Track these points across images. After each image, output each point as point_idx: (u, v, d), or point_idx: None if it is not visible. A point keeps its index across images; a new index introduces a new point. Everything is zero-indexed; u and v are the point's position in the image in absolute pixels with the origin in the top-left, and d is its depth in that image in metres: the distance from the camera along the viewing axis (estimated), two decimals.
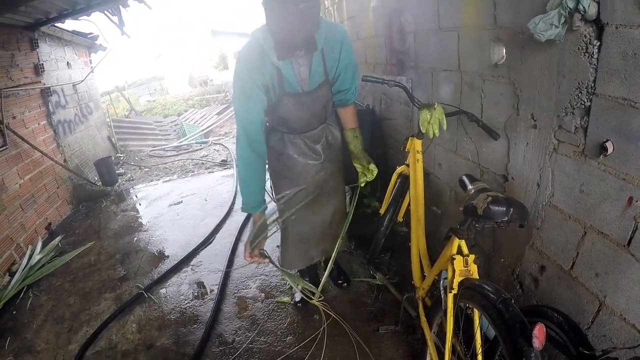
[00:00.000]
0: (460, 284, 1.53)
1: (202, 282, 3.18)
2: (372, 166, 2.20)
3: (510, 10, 1.74)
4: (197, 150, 8.21)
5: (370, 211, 3.47)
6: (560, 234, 1.66)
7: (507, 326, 1.24)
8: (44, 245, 4.23)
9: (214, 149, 7.94)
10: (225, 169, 6.37)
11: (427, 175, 2.68)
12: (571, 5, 1.31)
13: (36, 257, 3.96)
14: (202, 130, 10.18)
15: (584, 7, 1.29)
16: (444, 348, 1.60)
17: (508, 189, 1.97)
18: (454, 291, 1.55)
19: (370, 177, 2.21)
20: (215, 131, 10.26)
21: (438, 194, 2.78)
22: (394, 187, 2.55)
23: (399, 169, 2.50)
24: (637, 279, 1.31)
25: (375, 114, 3.67)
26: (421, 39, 2.66)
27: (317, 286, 2.20)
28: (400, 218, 2.63)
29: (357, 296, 2.71)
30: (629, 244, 1.33)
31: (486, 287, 1.40)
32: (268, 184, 2.32)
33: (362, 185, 2.26)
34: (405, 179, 2.42)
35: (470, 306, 1.54)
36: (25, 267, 3.77)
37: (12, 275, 3.70)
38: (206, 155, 7.50)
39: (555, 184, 1.66)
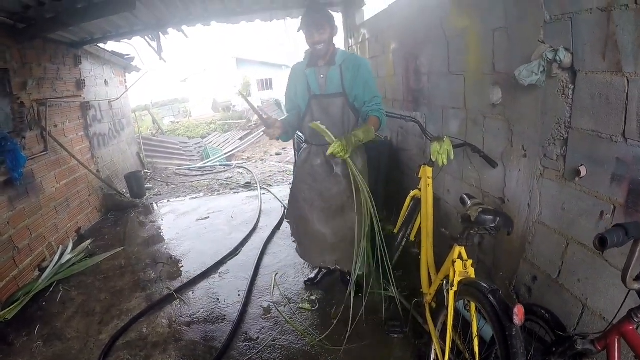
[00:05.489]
0: (460, 282, 1.82)
1: (230, 287, 3.40)
2: (343, 142, 2.20)
3: (506, 60, 2.08)
4: (221, 172, 8.54)
5: (385, 233, 3.69)
6: (548, 246, 1.94)
7: (494, 309, 1.53)
8: (74, 247, 4.46)
9: (238, 172, 8.24)
10: (249, 190, 6.60)
11: (437, 200, 2.96)
12: (550, 56, 1.68)
13: (67, 256, 4.19)
14: (225, 154, 10.57)
15: (560, 58, 1.64)
16: (446, 340, 1.86)
17: (505, 210, 2.24)
18: (454, 289, 1.83)
19: (333, 150, 2.19)
20: (237, 155, 10.62)
21: (447, 217, 3.06)
22: (408, 208, 2.83)
23: (412, 193, 2.79)
24: (611, 281, 1.56)
25: (392, 145, 4.01)
26: (434, 80, 3.01)
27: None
28: (413, 237, 2.89)
29: (371, 305, 2.91)
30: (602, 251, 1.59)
31: (480, 282, 1.70)
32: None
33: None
34: (417, 202, 2.70)
35: (468, 300, 1.81)
36: (56, 264, 3.99)
37: (42, 270, 3.91)
38: (231, 177, 7.79)
39: (542, 203, 1.96)
